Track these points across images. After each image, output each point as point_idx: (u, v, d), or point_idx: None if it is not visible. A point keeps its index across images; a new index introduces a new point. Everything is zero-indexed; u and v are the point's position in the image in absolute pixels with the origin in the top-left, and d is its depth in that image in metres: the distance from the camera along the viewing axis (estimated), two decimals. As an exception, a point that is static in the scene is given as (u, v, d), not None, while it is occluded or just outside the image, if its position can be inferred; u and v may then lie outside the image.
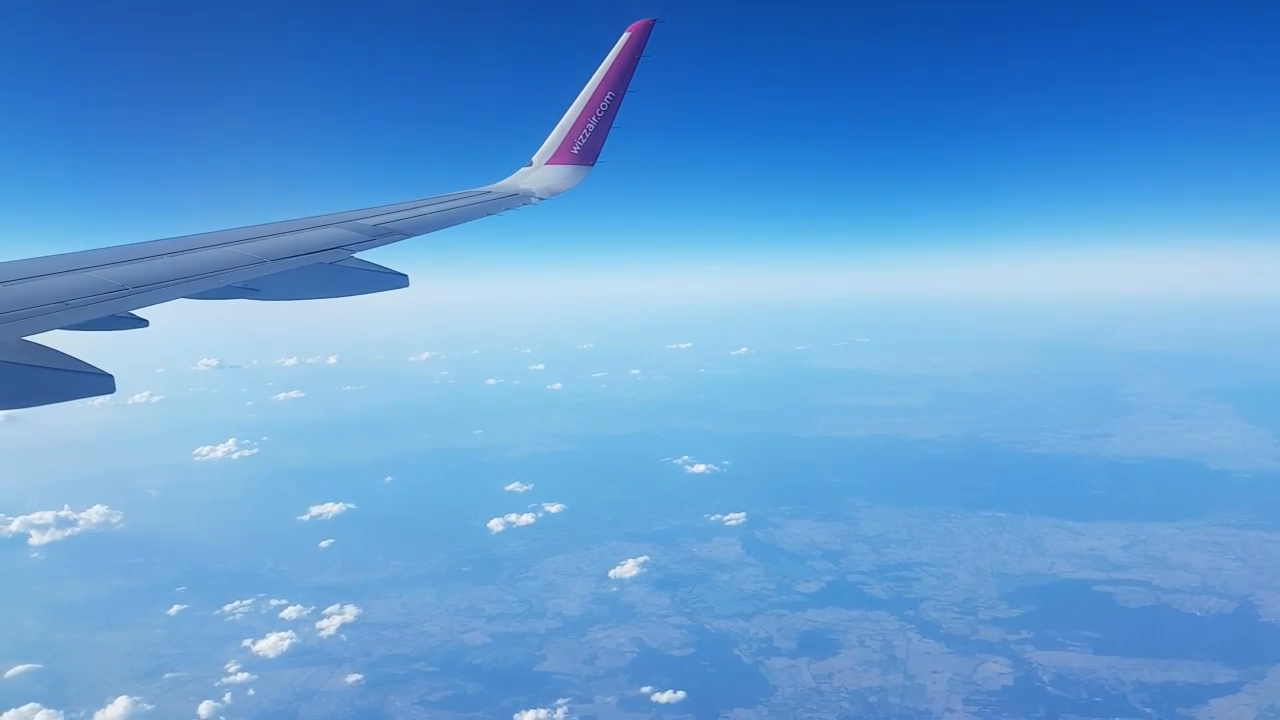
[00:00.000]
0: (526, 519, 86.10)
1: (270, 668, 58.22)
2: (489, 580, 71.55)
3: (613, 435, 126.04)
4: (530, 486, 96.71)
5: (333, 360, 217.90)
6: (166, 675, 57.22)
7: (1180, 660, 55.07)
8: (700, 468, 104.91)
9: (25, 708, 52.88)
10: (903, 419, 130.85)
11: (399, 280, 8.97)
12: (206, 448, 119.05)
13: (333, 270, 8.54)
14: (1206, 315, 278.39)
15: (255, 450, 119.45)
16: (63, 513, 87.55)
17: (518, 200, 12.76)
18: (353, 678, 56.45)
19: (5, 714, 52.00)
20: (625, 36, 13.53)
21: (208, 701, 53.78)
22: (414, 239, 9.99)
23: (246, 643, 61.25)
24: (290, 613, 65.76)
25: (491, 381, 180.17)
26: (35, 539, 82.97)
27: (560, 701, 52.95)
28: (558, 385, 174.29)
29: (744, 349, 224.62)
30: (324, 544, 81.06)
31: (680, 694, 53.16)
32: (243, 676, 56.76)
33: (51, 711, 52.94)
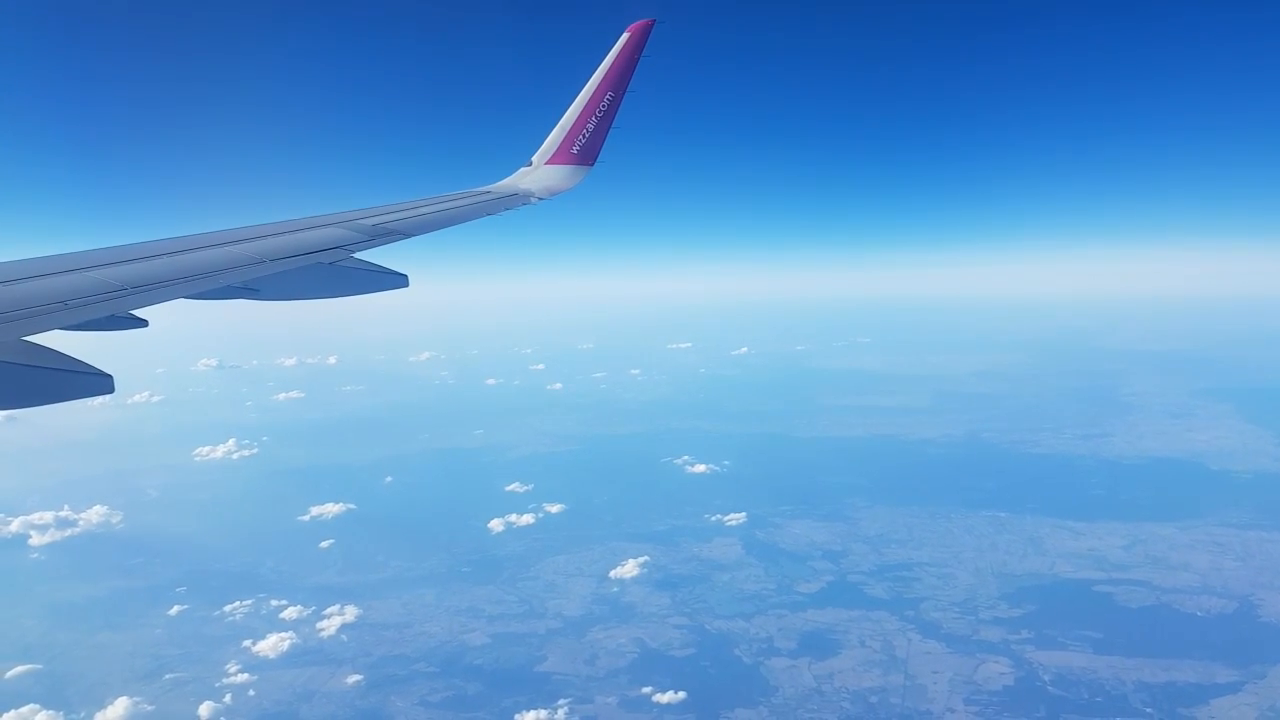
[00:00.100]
0: (527, 519, 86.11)
1: (270, 668, 58.18)
2: (489, 580, 71.52)
3: (613, 435, 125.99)
4: (530, 487, 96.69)
5: (333, 360, 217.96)
6: (167, 676, 57.19)
7: (1181, 660, 55.06)
8: (700, 468, 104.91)
9: (25, 708, 52.84)
10: (903, 419, 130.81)
11: (399, 280, 8.96)
12: (206, 448, 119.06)
13: (332, 270, 8.53)
14: (1206, 315, 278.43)
15: (255, 450, 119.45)
16: (63, 513, 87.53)
17: (517, 200, 12.74)
18: (353, 678, 56.42)
19: (5, 714, 51.93)
20: (625, 37, 13.52)
21: (208, 702, 53.76)
22: (414, 239, 9.98)
23: (247, 643, 61.23)
24: (290, 613, 65.75)
25: (491, 381, 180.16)
26: (35, 539, 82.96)
27: (561, 702, 52.93)
28: (558, 385, 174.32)
29: (744, 349, 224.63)
30: (324, 544, 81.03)
31: (681, 694, 53.16)
32: (243, 677, 56.73)
33: (51, 712, 52.90)
